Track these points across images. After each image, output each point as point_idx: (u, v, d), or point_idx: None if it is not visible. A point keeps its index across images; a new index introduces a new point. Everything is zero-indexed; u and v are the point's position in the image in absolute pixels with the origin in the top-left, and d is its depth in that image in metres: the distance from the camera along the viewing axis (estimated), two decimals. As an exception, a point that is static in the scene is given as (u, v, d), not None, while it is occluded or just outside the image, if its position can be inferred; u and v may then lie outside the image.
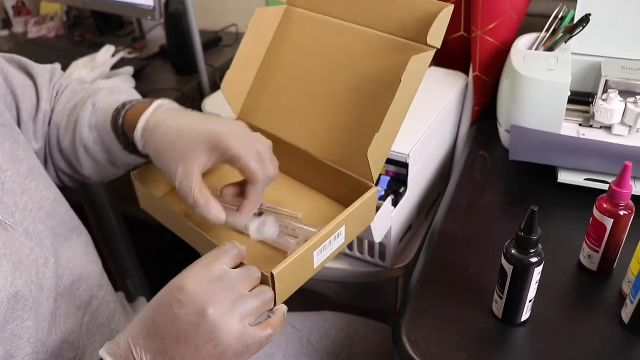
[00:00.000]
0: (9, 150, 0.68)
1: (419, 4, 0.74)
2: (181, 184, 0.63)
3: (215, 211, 0.64)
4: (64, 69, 1.40)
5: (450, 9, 0.71)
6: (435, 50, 0.72)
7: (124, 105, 0.75)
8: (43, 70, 0.82)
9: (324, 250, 0.69)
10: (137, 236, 1.51)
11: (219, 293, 0.55)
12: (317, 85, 0.82)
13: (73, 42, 1.77)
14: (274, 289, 0.62)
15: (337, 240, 0.71)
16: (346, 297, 1.07)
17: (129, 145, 0.75)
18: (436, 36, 0.71)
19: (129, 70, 1.38)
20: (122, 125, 0.73)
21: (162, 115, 0.69)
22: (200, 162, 0.64)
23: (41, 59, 1.53)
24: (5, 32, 1.93)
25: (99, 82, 0.97)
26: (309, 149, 0.80)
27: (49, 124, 0.82)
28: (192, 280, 0.55)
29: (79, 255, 0.77)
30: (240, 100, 0.90)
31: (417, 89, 0.73)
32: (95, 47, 1.57)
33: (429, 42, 0.71)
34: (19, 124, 0.76)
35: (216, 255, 0.59)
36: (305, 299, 1.09)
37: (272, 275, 0.61)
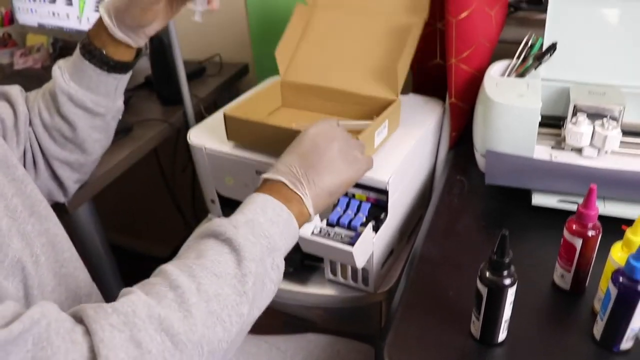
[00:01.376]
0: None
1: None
2: None
3: None
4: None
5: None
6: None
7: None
8: (11, 87, 0.91)
9: (379, 134, 0.98)
10: (125, 265, 1.51)
11: (339, 131, 0.82)
12: (343, 47, 1.15)
13: (59, 73, 1.79)
14: None
15: (384, 130, 1.00)
16: (331, 322, 1.09)
17: (103, 62, 0.88)
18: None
19: (115, 101, 1.40)
20: (88, 40, 0.88)
21: None
22: None
23: (27, 89, 1.57)
24: (-10, 64, 1.95)
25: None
26: (345, 87, 1.11)
27: (30, 115, 0.90)
28: (322, 124, 0.82)
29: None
30: (285, 64, 1.19)
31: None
32: (81, 79, 1.60)
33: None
34: (4, 137, 0.83)
35: (326, 120, 0.84)
36: (291, 325, 1.12)
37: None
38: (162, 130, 1.39)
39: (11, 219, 0.67)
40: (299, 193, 0.74)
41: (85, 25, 1.61)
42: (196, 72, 1.64)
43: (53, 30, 1.74)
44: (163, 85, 1.48)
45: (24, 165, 0.89)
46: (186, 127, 1.44)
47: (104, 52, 0.88)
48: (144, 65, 1.72)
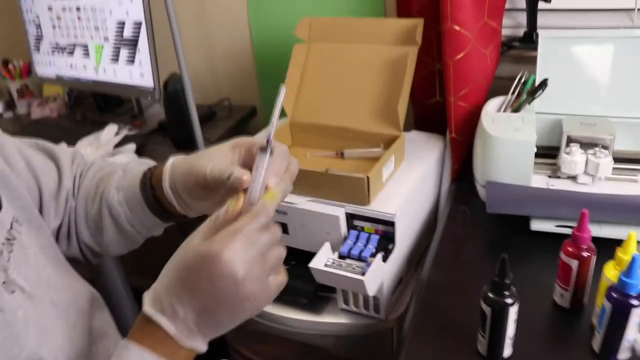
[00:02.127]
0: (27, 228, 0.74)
1: (394, 23, 1.21)
2: (213, 170, 0.68)
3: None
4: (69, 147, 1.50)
5: (420, 21, 1.14)
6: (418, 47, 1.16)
7: (155, 166, 0.82)
8: (65, 152, 0.88)
9: (386, 169, 1.05)
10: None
11: (251, 260, 0.59)
12: (343, 82, 1.23)
13: (75, 121, 1.86)
14: (368, 189, 0.98)
15: (390, 165, 1.07)
16: (345, 350, 1.13)
17: (153, 204, 0.79)
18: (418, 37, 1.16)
19: (132, 147, 1.48)
20: (150, 179, 0.78)
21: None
22: (227, 157, 0.69)
23: (46, 138, 1.63)
24: (9, 114, 2.03)
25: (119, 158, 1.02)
26: (349, 125, 1.19)
27: (75, 197, 0.86)
28: (230, 252, 0.57)
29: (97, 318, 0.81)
30: (291, 106, 1.27)
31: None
32: (96, 125, 1.67)
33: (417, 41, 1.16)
34: (40, 204, 0.81)
35: (248, 223, 0.59)
36: (307, 354, 1.16)
37: (367, 177, 0.98)
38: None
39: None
40: (185, 347, 0.59)
41: (102, 75, 1.69)
42: (207, 116, 1.71)
43: (70, 82, 1.83)
44: (176, 130, 1.55)
45: (57, 237, 0.84)
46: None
47: (165, 213, 0.80)
48: (157, 110, 1.81)
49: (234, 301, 0.59)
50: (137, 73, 1.60)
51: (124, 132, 1.59)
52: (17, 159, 0.76)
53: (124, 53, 1.61)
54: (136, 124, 1.75)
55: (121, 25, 1.60)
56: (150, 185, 0.78)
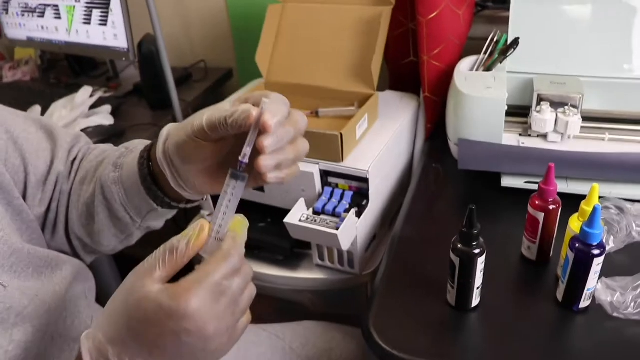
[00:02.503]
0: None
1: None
2: (210, 115, 0.58)
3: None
4: (44, 110, 1.48)
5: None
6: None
7: (151, 142, 0.74)
8: (65, 134, 0.82)
9: (360, 127, 1.07)
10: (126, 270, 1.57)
11: (223, 311, 0.53)
12: (318, 42, 1.24)
13: (49, 84, 1.85)
14: (342, 146, 1.00)
15: (364, 123, 1.10)
16: (322, 305, 1.16)
17: (148, 181, 0.71)
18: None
19: (107, 108, 1.47)
20: (148, 151, 0.71)
21: None
22: (226, 107, 0.59)
23: (19, 102, 1.60)
24: (-20, 78, 2.00)
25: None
26: (325, 84, 1.20)
27: (71, 180, 0.80)
28: (199, 306, 0.50)
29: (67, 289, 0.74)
30: (266, 66, 1.27)
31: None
32: (71, 88, 1.66)
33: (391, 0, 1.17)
34: (25, 187, 0.75)
35: (218, 270, 0.52)
36: (284, 310, 1.19)
37: (341, 134, 0.99)
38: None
39: None
40: None
41: (75, 37, 1.67)
42: (183, 78, 1.71)
43: (42, 44, 1.80)
44: (152, 92, 1.54)
45: (43, 226, 0.78)
46: (176, 130, 1.50)
47: (160, 194, 0.72)
48: (133, 73, 1.80)
49: (200, 356, 0.53)
50: (111, 34, 1.58)
51: (99, 94, 1.58)
52: None
53: (96, 14, 1.59)
54: (111, 86, 1.74)
55: (93, -16, 1.57)
56: (147, 157, 0.71)
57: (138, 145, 0.78)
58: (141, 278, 0.51)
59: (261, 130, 0.54)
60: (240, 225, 0.56)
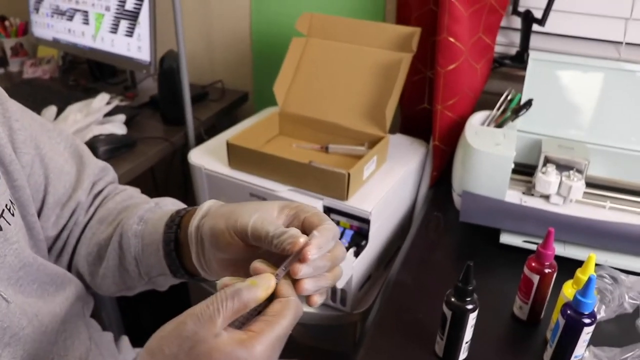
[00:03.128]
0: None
1: (393, 29, 1.24)
2: (257, 221, 0.57)
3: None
4: (59, 111, 1.50)
5: (417, 30, 1.18)
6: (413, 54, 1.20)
7: (193, 208, 0.72)
8: (94, 163, 0.81)
9: (368, 168, 1.09)
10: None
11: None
12: (336, 79, 1.27)
13: (67, 85, 1.87)
14: (348, 184, 1.02)
15: (372, 164, 1.11)
16: (310, 338, 1.16)
17: (170, 246, 0.70)
18: (414, 44, 1.19)
19: (122, 117, 1.49)
20: (181, 217, 0.70)
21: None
22: (274, 213, 0.59)
23: (36, 99, 1.61)
24: (0, 71, 2.03)
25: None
26: (337, 121, 1.23)
27: (90, 214, 0.80)
28: (263, 353, 0.50)
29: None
30: (283, 96, 1.31)
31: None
32: (88, 92, 1.68)
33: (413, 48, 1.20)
34: (42, 206, 0.74)
35: (288, 326, 0.53)
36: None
37: (348, 174, 1.01)
38: (163, 149, 1.47)
39: None
40: None
41: (100, 44, 1.70)
42: (199, 96, 1.73)
43: (67, 46, 1.83)
44: (168, 106, 1.56)
45: (49, 248, 0.77)
46: (186, 146, 1.52)
47: (178, 262, 0.71)
48: (150, 85, 1.82)
49: None
50: (135, 46, 1.61)
51: (116, 102, 1.60)
52: (28, 149, 0.69)
53: (124, 25, 1.62)
54: (128, 95, 1.76)
55: (124, -4, 1.61)
56: (178, 223, 0.70)
57: (169, 204, 0.78)
58: (204, 324, 0.49)
59: (300, 259, 0.53)
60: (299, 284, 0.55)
